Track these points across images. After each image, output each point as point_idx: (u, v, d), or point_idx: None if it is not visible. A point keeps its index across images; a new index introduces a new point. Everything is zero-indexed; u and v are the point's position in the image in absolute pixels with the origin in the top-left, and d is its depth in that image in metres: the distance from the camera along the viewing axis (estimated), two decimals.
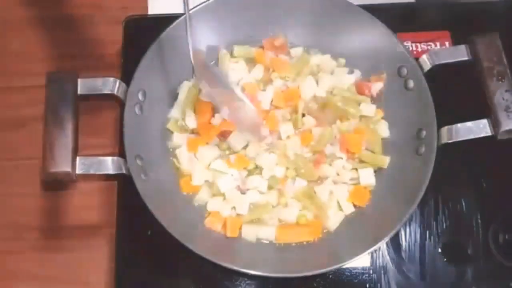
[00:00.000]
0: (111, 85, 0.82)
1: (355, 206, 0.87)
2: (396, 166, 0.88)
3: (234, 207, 0.85)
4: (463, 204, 0.91)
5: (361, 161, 0.89)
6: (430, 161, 0.82)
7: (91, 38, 1.04)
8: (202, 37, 0.92)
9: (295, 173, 0.87)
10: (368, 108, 0.90)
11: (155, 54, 0.87)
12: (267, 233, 0.84)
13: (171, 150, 0.89)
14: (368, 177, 0.87)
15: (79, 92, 0.79)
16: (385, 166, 0.88)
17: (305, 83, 0.91)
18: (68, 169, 0.75)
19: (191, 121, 0.88)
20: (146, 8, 1.06)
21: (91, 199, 0.93)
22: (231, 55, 0.94)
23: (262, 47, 0.95)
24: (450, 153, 0.85)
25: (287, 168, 0.87)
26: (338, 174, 0.88)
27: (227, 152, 0.88)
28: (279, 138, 0.88)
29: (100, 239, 0.90)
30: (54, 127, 0.76)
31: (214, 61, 0.95)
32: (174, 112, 0.90)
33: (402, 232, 0.89)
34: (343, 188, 0.87)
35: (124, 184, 0.88)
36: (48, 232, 0.92)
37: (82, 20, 1.05)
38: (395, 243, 0.89)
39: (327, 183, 0.87)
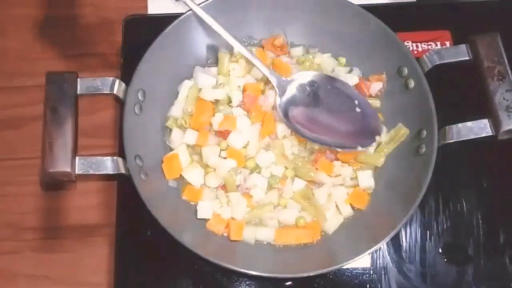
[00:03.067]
0: (111, 85, 0.81)
1: (354, 208, 0.87)
2: (396, 166, 0.88)
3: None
4: (464, 204, 0.91)
5: (357, 161, 0.89)
6: (431, 161, 0.81)
7: (91, 38, 1.04)
8: (202, 37, 0.93)
9: (293, 173, 0.87)
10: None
11: (154, 53, 0.87)
12: (266, 234, 0.84)
13: (171, 149, 0.89)
14: (366, 180, 0.87)
15: (78, 92, 0.79)
16: (380, 165, 0.88)
17: None
18: (68, 169, 0.74)
19: (191, 138, 0.88)
20: (146, 8, 1.05)
21: (91, 199, 0.93)
22: (231, 55, 0.94)
23: (262, 47, 0.95)
24: (450, 153, 0.85)
25: (286, 168, 0.87)
26: (335, 176, 0.88)
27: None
28: (277, 137, 0.89)
29: (100, 239, 0.90)
30: (54, 127, 0.76)
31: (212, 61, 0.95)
32: (174, 111, 0.90)
33: (403, 232, 0.89)
34: (341, 190, 0.87)
35: (123, 184, 0.88)
36: (48, 232, 0.92)
37: (82, 20, 1.05)
38: (395, 243, 0.89)
39: (326, 186, 0.87)
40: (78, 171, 0.76)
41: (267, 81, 0.92)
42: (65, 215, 0.92)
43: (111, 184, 0.92)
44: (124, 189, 0.88)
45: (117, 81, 0.82)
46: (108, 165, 0.77)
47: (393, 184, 0.86)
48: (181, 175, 0.87)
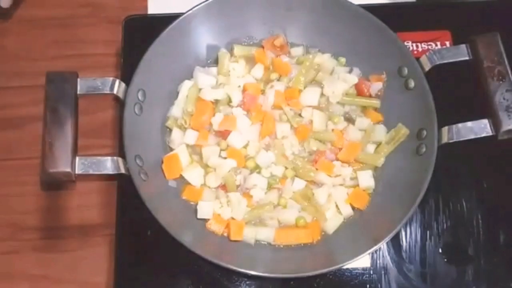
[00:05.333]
0: (111, 85, 0.81)
1: (354, 208, 0.87)
2: (396, 166, 0.87)
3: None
4: (464, 204, 0.91)
5: (357, 161, 0.89)
6: (431, 161, 0.81)
7: (91, 38, 1.04)
8: (202, 37, 0.92)
9: (293, 173, 0.87)
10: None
11: (154, 53, 0.86)
12: (266, 234, 0.84)
13: (171, 149, 0.89)
14: (366, 180, 0.87)
15: (78, 92, 0.79)
16: (380, 165, 0.87)
17: (308, 92, 0.90)
18: (68, 169, 0.74)
19: (191, 138, 0.87)
20: (146, 8, 1.05)
21: (90, 199, 0.92)
22: (231, 54, 0.94)
23: (262, 47, 0.95)
24: (450, 153, 0.85)
25: (286, 168, 0.87)
26: (335, 176, 0.87)
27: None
28: (276, 138, 0.88)
29: (100, 239, 0.90)
30: (54, 127, 0.75)
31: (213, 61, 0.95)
32: (174, 111, 0.90)
33: (403, 232, 0.89)
34: (341, 190, 0.87)
35: (124, 184, 0.88)
36: (48, 232, 0.91)
37: (82, 20, 1.05)
38: (395, 243, 0.88)
39: (326, 186, 0.86)
40: (78, 171, 0.75)
41: (267, 81, 0.92)
42: (65, 215, 0.92)
43: (111, 184, 0.91)
44: (124, 189, 0.88)
45: (117, 81, 0.81)
46: (108, 165, 0.77)
47: (393, 184, 0.86)
48: (181, 175, 0.86)
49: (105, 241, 0.90)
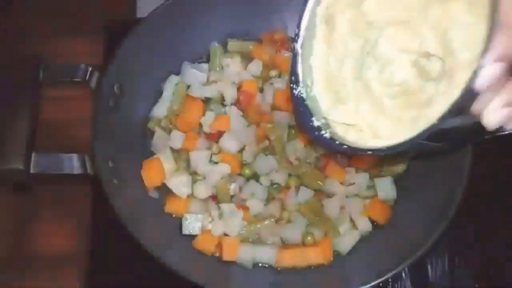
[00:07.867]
0: (81, 71, 0.72)
1: (372, 222, 0.77)
2: (422, 170, 0.77)
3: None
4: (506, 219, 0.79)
5: (374, 167, 0.78)
6: (466, 159, 0.70)
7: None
8: (191, 29, 0.83)
9: (299, 180, 0.77)
10: None
11: (136, 42, 0.77)
12: (267, 255, 0.74)
13: (152, 152, 0.79)
14: (386, 189, 0.77)
15: (41, 77, 0.68)
16: (401, 171, 0.78)
17: None
18: (20, 166, 0.63)
19: (177, 140, 0.78)
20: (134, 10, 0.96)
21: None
22: (225, 50, 0.85)
23: (260, 41, 0.86)
24: (487, 151, 0.74)
25: (290, 175, 0.77)
26: (349, 184, 0.77)
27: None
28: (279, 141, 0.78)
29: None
30: (7, 116, 0.64)
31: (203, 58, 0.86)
32: (158, 110, 0.81)
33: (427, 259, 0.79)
34: (357, 201, 0.77)
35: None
36: None
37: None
38: (419, 271, 0.78)
39: (338, 196, 0.76)
40: (33, 169, 0.64)
41: (265, 78, 0.83)
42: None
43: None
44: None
45: (90, 68, 0.73)
46: (73, 163, 0.66)
47: (419, 192, 0.75)
48: (163, 183, 0.76)
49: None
